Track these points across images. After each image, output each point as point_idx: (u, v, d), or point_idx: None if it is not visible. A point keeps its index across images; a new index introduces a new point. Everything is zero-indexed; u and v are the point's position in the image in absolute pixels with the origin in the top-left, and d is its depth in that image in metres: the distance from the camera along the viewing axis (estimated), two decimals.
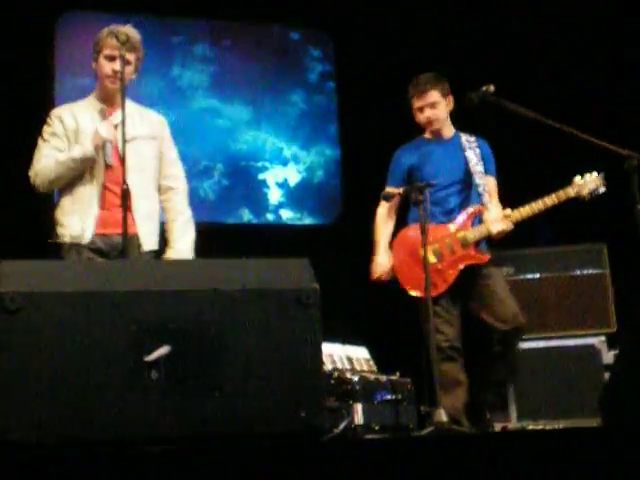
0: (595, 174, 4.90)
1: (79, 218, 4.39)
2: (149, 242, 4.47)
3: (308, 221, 7.99)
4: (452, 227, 4.96)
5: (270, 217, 7.92)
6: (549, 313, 5.97)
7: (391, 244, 5.08)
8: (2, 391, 2.73)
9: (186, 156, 7.47)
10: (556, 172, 6.42)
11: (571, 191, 4.90)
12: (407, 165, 5.09)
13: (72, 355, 2.77)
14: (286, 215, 7.96)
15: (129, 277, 3.00)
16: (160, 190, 4.66)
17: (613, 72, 7.23)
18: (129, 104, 4.52)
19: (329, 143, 8.13)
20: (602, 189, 4.89)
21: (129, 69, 4.45)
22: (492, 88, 4.88)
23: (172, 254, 4.46)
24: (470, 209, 4.99)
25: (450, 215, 4.99)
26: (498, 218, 4.90)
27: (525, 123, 5.01)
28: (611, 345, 6.13)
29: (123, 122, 4.22)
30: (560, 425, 4.78)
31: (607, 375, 5.89)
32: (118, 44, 4.36)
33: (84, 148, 4.39)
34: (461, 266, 4.90)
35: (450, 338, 4.82)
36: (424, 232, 4.48)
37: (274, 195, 7.97)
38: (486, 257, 4.97)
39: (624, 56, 7.20)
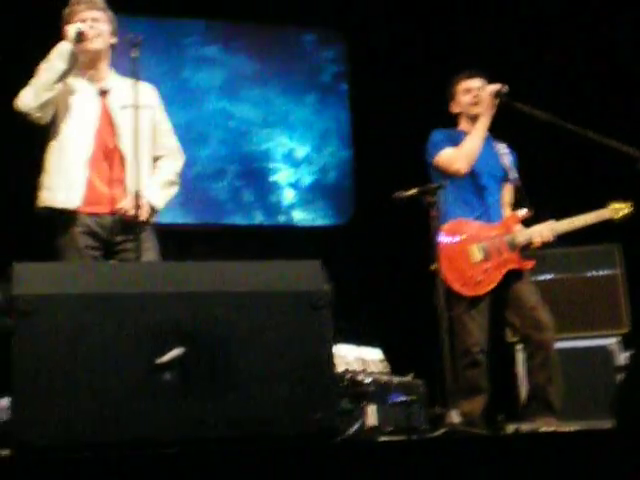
0: (629, 203, 4.97)
1: (66, 180, 4.27)
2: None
3: (320, 222, 7.99)
4: (498, 227, 4.93)
5: (282, 219, 7.92)
6: (562, 314, 5.94)
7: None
8: (17, 393, 2.74)
9: (198, 158, 7.60)
10: (570, 174, 6.42)
11: (607, 214, 4.96)
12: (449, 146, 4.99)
13: (86, 357, 2.78)
14: (298, 216, 7.96)
15: (142, 279, 3.00)
16: (155, 162, 4.57)
17: (625, 72, 7.21)
18: (116, 75, 4.50)
19: (342, 144, 8.13)
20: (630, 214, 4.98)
21: (102, 28, 4.38)
22: (506, 88, 4.88)
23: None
24: (520, 212, 4.96)
25: (486, 211, 4.95)
26: (545, 227, 4.90)
27: (538, 124, 5.02)
28: (625, 346, 6.12)
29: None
30: (573, 427, 4.76)
31: (621, 376, 5.87)
32: (85, 7, 4.36)
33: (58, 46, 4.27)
34: (505, 269, 4.86)
35: (481, 342, 4.79)
36: (436, 234, 4.46)
37: (287, 196, 7.97)
38: (531, 263, 4.94)
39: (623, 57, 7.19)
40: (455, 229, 4.88)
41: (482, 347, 4.79)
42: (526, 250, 4.92)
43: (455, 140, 4.99)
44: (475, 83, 5.05)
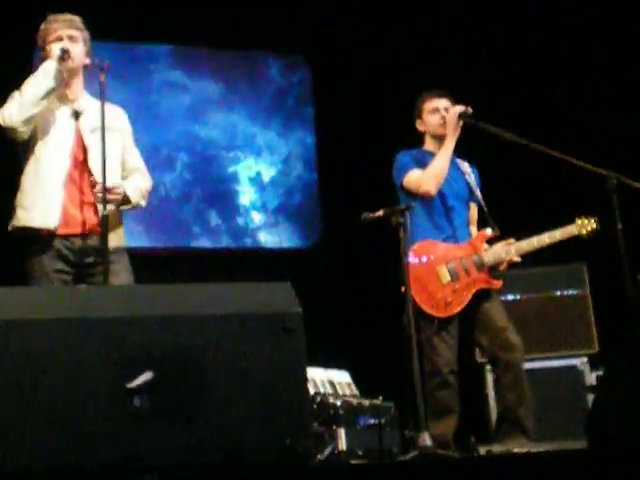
0: (594, 218, 4.97)
1: (43, 200, 4.23)
2: (114, 239, 4.27)
3: (287, 245, 7.97)
4: (465, 247, 4.93)
5: (249, 241, 7.90)
6: (530, 334, 5.96)
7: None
8: None
9: (164, 182, 7.57)
10: (536, 194, 6.45)
11: (575, 229, 4.95)
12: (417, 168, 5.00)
13: (54, 383, 2.74)
14: (265, 239, 7.94)
15: (111, 303, 2.97)
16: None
17: (593, 92, 7.28)
18: (88, 96, 4.47)
19: (307, 166, 8.14)
20: (596, 229, 4.98)
21: (78, 49, 4.36)
22: (470, 110, 4.91)
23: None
24: (486, 232, 4.97)
25: (453, 232, 4.96)
26: (513, 246, 4.90)
27: (503, 144, 5.04)
28: (594, 366, 6.14)
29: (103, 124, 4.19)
30: (545, 447, 4.76)
31: (590, 396, 5.89)
32: (63, 24, 4.34)
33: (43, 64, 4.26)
34: (475, 289, 4.86)
35: (451, 363, 4.78)
36: (405, 255, 4.46)
37: (253, 219, 7.95)
38: (499, 283, 4.94)
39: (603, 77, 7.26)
40: (423, 250, 4.89)
41: (452, 368, 4.78)
42: (494, 270, 4.93)
43: (421, 161, 5.01)
44: (442, 103, 5.07)
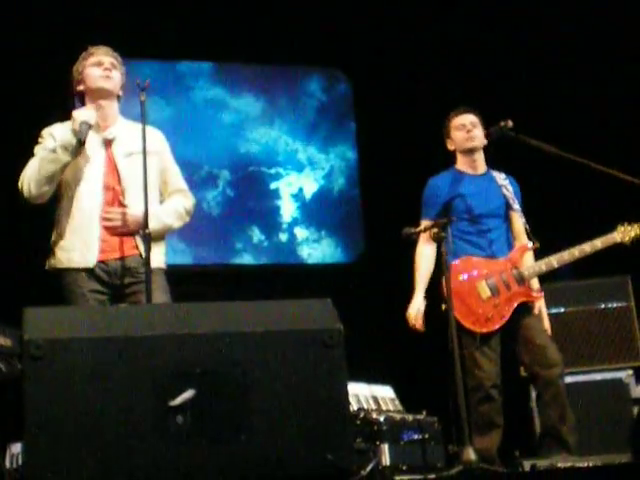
0: (637, 224, 4.93)
1: (80, 240, 4.23)
2: (154, 260, 4.23)
3: (329, 260, 7.97)
4: (505, 262, 4.92)
5: (292, 257, 7.91)
6: (575, 347, 5.92)
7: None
8: (28, 437, 2.73)
9: (207, 199, 7.62)
10: (578, 206, 6.40)
11: (617, 237, 4.91)
12: (447, 195, 5.01)
13: (96, 401, 2.76)
14: (308, 254, 7.95)
15: (152, 321, 2.99)
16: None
17: (633, 102, 7.22)
18: (122, 121, 4.46)
19: (350, 181, 8.16)
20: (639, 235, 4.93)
21: (116, 75, 4.38)
22: (510, 123, 4.89)
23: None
24: (526, 245, 4.96)
25: (490, 248, 4.94)
26: (553, 257, 4.88)
27: (544, 157, 5.02)
28: (639, 379, 6.07)
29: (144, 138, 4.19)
30: (590, 462, 4.71)
31: (636, 409, 5.82)
32: (103, 52, 4.38)
33: (62, 135, 4.23)
34: (516, 303, 4.84)
35: (493, 377, 4.76)
36: (447, 270, 4.45)
37: (296, 234, 7.98)
38: (540, 296, 4.93)
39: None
40: (462, 267, 4.88)
41: (494, 382, 4.76)
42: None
43: (451, 184, 5.01)
44: (468, 119, 5.07)
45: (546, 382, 4.73)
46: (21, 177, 4.27)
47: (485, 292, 4.82)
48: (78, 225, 4.25)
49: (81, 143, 4.18)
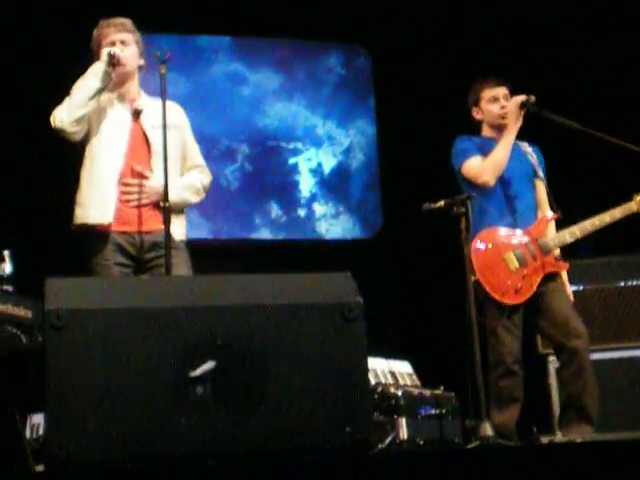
0: None
1: (97, 196, 4.30)
2: (177, 233, 4.35)
3: (348, 236, 7.97)
4: (531, 232, 4.89)
5: (310, 232, 7.92)
6: (594, 325, 5.90)
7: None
8: (49, 408, 2.74)
9: (225, 173, 7.63)
10: (601, 181, 6.36)
11: (634, 206, 4.89)
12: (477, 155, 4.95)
13: (118, 371, 2.78)
14: (326, 230, 7.95)
15: (174, 293, 3.00)
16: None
17: None
18: (145, 96, 4.53)
19: (368, 157, 8.14)
20: None
21: (131, 51, 4.43)
22: (533, 98, 4.85)
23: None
24: (548, 215, 4.94)
25: (516, 219, 4.91)
26: (576, 227, 4.87)
27: (567, 133, 4.99)
28: None
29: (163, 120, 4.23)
30: (607, 437, 4.72)
31: None
32: (114, 29, 4.41)
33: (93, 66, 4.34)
34: (543, 273, 4.82)
35: (515, 353, 4.75)
36: (467, 245, 4.44)
37: (315, 209, 7.98)
38: (565, 265, 4.91)
39: None
40: (489, 238, 4.84)
41: (516, 357, 4.74)
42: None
43: (482, 148, 4.95)
44: (501, 91, 5.01)
45: (572, 352, 4.70)
46: (52, 114, 4.33)
47: (513, 263, 4.79)
48: (96, 183, 4.33)
49: (111, 63, 4.28)
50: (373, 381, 4.94)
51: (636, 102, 7.08)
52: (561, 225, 4.96)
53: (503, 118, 4.95)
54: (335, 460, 2.83)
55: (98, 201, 4.31)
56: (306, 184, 7.98)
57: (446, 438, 4.91)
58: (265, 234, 7.80)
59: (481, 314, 4.65)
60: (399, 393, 4.79)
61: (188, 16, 7.48)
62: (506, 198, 4.91)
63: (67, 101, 4.32)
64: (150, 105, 4.47)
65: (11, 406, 3.56)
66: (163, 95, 4.30)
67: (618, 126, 4.90)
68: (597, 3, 7.30)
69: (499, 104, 4.98)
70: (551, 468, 2.88)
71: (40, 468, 2.85)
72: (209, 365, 2.83)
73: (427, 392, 5.11)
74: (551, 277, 4.85)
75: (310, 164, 8.01)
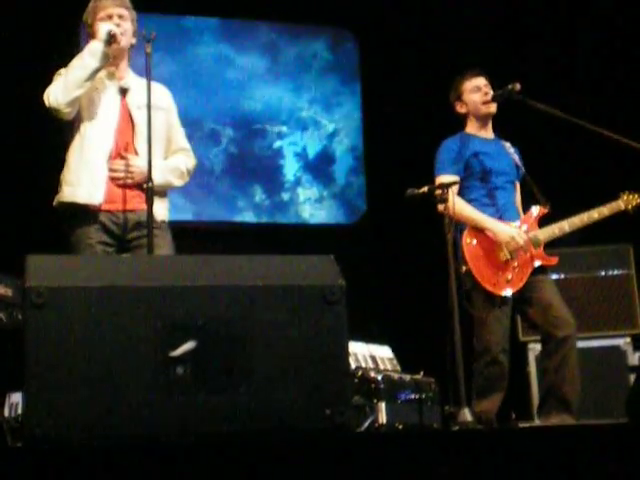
0: (638, 192, 4.98)
1: (88, 176, 4.24)
2: (160, 214, 4.31)
3: (332, 221, 7.98)
4: (520, 226, 4.92)
5: (293, 217, 7.91)
6: (575, 314, 5.90)
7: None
8: (28, 385, 2.73)
9: (209, 156, 7.61)
10: (584, 172, 6.38)
11: (622, 204, 4.97)
12: (467, 153, 4.96)
13: (98, 350, 2.76)
14: (309, 214, 7.95)
15: (155, 272, 2.99)
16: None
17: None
18: (133, 75, 4.48)
19: (353, 143, 8.14)
20: None
21: (127, 26, 4.37)
22: (518, 87, 4.86)
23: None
24: (539, 209, 4.97)
25: (500, 210, 4.93)
26: (565, 222, 4.91)
27: (550, 121, 5.01)
28: (637, 346, 6.10)
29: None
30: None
31: (633, 376, 5.85)
32: (113, 2, 4.35)
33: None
34: (532, 266, 4.85)
35: (502, 342, 4.77)
36: (449, 230, 4.45)
37: (298, 194, 7.97)
38: (555, 259, 4.94)
39: None
40: (479, 230, 4.87)
41: (503, 347, 4.77)
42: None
43: (465, 148, 4.97)
44: (482, 81, 5.04)
45: (559, 342, 4.73)
46: (46, 92, 4.27)
47: (505, 255, 4.82)
48: (87, 162, 4.27)
49: (109, 41, 4.22)
50: (353, 365, 4.95)
51: (623, 94, 7.12)
52: (548, 220, 5.00)
53: (485, 106, 4.98)
54: (314, 442, 2.83)
55: (88, 181, 4.25)
56: (290, 168, 7.97)
57: (425, 423, 4.93)
58: (249, 217, 7.79)
59: (469, 303, 4.69)
60: (379, 377, 4.80)
61: None
62: (489, 192, 4.94)
63: (62, 80, 4.25)
64: (137, 84, 4.42)
65: None
66: (148, 74, 4.26)
67: (604, 118, 4.92)
68: None
69: (481, 92, 5.00)
70: (528, 451, 2.90)
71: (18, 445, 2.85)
72: (190, 345, 2.83)
73: (407, 377, 5.12)
74: (540, 269, 4.88)
75: (295, 148, 8.00)
